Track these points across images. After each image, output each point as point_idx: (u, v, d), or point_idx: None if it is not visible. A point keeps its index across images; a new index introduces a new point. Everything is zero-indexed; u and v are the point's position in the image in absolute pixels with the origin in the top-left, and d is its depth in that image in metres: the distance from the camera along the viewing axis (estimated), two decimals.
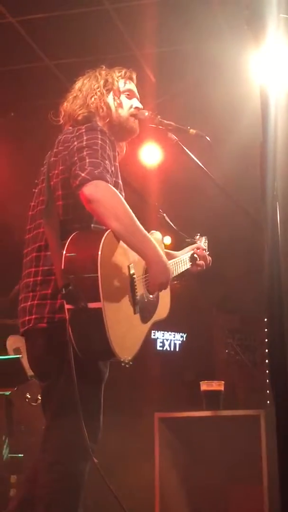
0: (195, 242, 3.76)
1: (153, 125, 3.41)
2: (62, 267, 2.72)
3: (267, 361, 6.67)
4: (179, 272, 3.47)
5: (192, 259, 3.62)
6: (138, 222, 2.81)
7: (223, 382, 4.74)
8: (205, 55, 6.07)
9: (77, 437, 2.69)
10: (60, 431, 2.79)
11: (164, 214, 3.60)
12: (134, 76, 3.35)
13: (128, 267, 2.87)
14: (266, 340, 6.76)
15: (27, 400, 5.42)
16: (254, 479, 4.40)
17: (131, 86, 3.30)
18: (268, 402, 6.09)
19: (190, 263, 3.60)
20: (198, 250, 3.67)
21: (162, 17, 5.82)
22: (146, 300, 3.00)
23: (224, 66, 6.01)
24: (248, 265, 6.35)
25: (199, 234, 3.86)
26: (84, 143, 2.88)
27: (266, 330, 6.75)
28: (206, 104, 6.25)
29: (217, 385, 4.71)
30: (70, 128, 3.12)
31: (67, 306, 2.69)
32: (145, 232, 2.86)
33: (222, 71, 6.06)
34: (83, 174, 2.76)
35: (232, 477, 4.74)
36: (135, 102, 3.29)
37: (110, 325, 2.66)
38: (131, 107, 3.26)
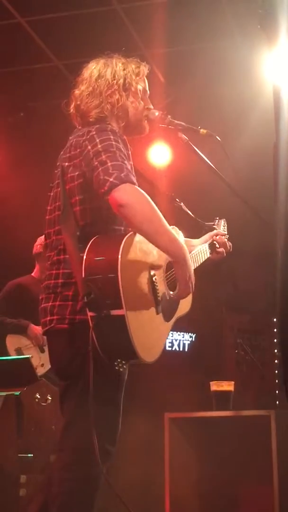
0: (213, 226, 3.75)
1: (164, 125, 3.40)
2: (83, 273, 2.72)
3: (276, 361, 6.66)
4: (200, 263, 3.45)
5: (212, 246, 3.61)
6: (166, 223, 2.81)
7: (233, 382, 4.72)
8: (215, 55, 6.06)
9: (96, 438, 2.69)
10: (79, 431, 2.78)
11: (182, 204, 3.59)
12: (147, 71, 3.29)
13: (148, 268, 2.87)
14: (276, 340, 6.75)
15: (36, 400, 5.42)
16: (264, 480, 4.38)
17: (145, 85, 3.24)
18: (277, 402, 6.08)
19: (210, 252, 3.59)
20: (218, 237, 3.65)
21: (171, 17, 5.82)
22: (168, 298, 2.99)
23: (234, 65, 6.01)
24: (257, 265, 6.34)
25: (217, 217, 3.86)
26: (99, 146, 2.85)
27: (275, 330, 6.74)
28: (217, 104, 6.25)
29: (227, 386, 4.70)
30: (80, 128, 3.09)
31: (89, 314, 2.69)
32: (173, 232, 2.86)
33: (233, 71, 6.06)
34: (111, 179, 2.73)
35: (242, 478, 4.72)
36: (148, 103, 3.26)
37: (134, 330, 2.67)
38: (144, 107, 3.22)
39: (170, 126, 3.40)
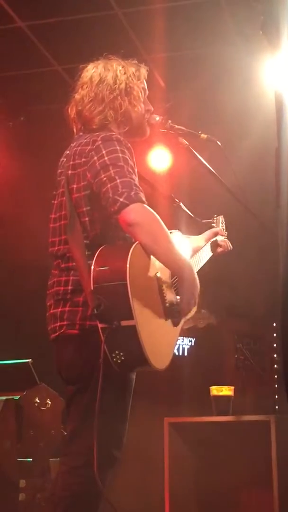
0: (212, 224, 3.82)
1: (164, 130, 3.41)
2: (91, 284, 2.72)
3: (276, 366, 6.65)
4: (203, 264, 3.51)
5: (213, 246, 3.69)
6: (174, 243, 2.86)
7: (233, 387, 4.73)
8: (216, 60, 6.06)
9: (102, 443, 2.70)
10: (85, 436, 2.77)
11: (181, 203, 3.61)
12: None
13: (156, 275, 2.88)
14: (275, 345, 6.74)
15: (36, 404, 5.41)
16: (264, 485, 4.39)
17: (145, 86, 3.22)
18: (277, 407, 6.07)
19: (211, 250, 3.67)
20: (218, 236, 3.74)
21: (171, 22, 5.82)
22: (175, 303, 2.99)
23: (235, 70, 6.01)
24: (257, 270, 6.34)
25: (216, 215, 3.91)
26: (106, 158, 2.84)
27: (275, 334, 6.72)
28: (218, 109, 6.25)
29: (227, 390, 4.70)
30: (82, 134, 3.08)
31: (100, 325, 2.70)
32: (180, 251, 2.90)
33: (234, 76, 6.06)
34: (121, 199, 2.75)
35: (242, 483, 4.72)
36: (148, 105, 3.24)
37: (145, 339, 2.69)
38: (145, 110, 3.21)
39: (170, 131, 3.42)
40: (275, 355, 6.67)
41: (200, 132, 3.50)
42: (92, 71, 3.15)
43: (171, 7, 5.73)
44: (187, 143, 3.48)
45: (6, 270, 7.09)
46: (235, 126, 6.12)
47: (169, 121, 3.40)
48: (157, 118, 3.32)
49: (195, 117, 5.61)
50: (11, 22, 6.02)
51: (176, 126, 3.43)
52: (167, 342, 2.97)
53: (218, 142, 3.51)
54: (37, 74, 6.70)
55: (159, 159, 7.03)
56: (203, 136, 3.50)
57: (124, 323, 2.67)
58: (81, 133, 3.11)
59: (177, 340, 3.07)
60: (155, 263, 2.87)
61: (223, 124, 5.85)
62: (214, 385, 4.75)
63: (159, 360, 2.81)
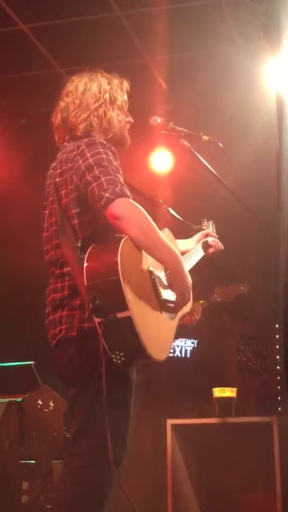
0: (202, 228, 3.85)
1: (165, 132, 3.43)
2: (85, 281, 2.76)
3: (278, 367, 6.66)
4: (194, 263, 3.54)
5: (205, 246, 3.73)
6: (162, 235, 2.89)
7: (235, 389, 4.72)
8: (217, 62, 6.07)
9: (106, 444, 2.68)
10: (90, 437, 2.79)
11: (169, 208, 3.64)
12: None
13: (148, 269, 2.92)
14: (278, 346, 6.75)
15: (38, 406, 5.42)
16: (267, 486, 4.38)
17: (126, 98, 3.28)
18: (280, 408, 6.08)
19: (203, 250, 3.70)
20: (209, 237, 3.78)
21: (173, 24, 5.84)
22: (169, 297, 3.01)
23: (237, 72, 6.02)
24: (259, 271, 6.34)
25: (205, 219, 3.93)
26: (91, 160, 2.91)
27: (277, 336, 6.73)
28: (219, 111, 6.26)
29: (230, 392, 4.70)
30: (66, 144, 3.13)
31: (97, 320, 2.73)
32: (168, 243, 2.92)
33: (235, 78, 6.07)
34: (106, 194, 2.80)
35: (245, 484, 4.72)
36: (128, 116, 3.28)
37: (142, 330, 2.71)
38: (126, 121, 3.25)
39: (172, 133, 3.45)
40: (277, 357, 6.68)
41: (201, 133, 3.52)
42: (77, 80, 3.22)
43: (173, 9, 5.75)
44: (189, 144, 3.50)
45: (9, 272, 7.09)
46: (237, 128, 6.14)
47: (171, 123, 3.42)
48: (159, 120, 3.34)
49: (196, 119, 5.61)
50: (13, 25, 6.04)
51: (178, 128, 3.46)
52: (164, 334, 3.00)
53: (219, 143, 3.53)
54: (39, 77, 6.71)
55: (161, 161, 7.03)
56: (205, 137, 3.52)
57: (119, 315, 2.70)
58: (65, 143, 3.17)
59: (174, 334, 3.10)
60: (147, 257, 2.91)
61: (225, 126, 5.87)
62: (217, 387, 4.75)
63: (157, 350, 2.83)
